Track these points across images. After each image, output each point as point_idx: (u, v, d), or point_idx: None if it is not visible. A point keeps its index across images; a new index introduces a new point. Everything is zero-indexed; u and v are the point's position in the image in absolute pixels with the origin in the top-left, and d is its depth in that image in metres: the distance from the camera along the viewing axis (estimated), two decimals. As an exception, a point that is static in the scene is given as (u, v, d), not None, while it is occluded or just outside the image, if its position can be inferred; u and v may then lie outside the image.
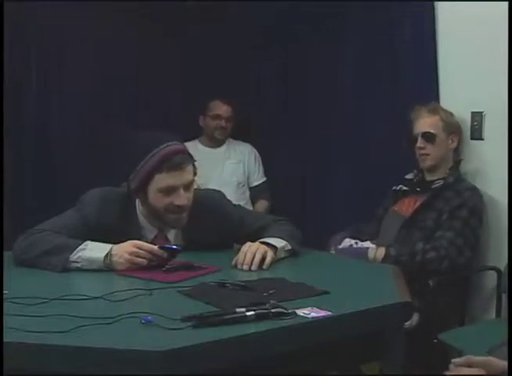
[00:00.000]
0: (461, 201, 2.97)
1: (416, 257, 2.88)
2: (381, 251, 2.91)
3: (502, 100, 2.72)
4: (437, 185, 3.09)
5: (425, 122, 3.10)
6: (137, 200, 2.34)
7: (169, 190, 2.23)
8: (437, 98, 3.27)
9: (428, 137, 3.08)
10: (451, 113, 3.15)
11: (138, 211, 2.33)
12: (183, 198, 2.25)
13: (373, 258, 2.90)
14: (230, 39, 4.05)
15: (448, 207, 2.97)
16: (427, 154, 3.10)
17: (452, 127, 3.12)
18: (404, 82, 3.41)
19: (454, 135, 3.13)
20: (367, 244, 3.03)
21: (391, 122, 3.38)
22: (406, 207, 3.11)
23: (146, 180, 2.22)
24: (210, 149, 4.05)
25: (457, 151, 3.19)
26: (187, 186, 2.26)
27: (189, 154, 2.31)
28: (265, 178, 4.10)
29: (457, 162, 3.15)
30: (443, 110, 3.13)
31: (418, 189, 3.15)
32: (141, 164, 2.21)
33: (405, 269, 2.67)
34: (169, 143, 2.24)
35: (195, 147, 4.02)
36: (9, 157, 3.42)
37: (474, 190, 3.02)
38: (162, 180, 2.22)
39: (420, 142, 3.09)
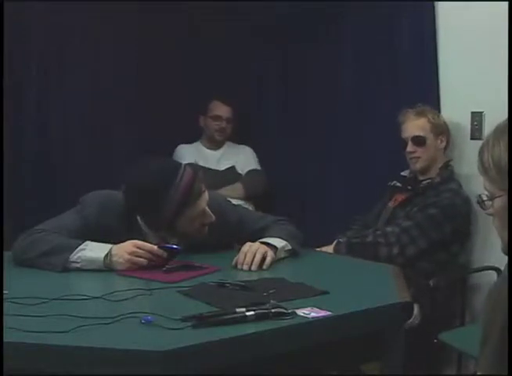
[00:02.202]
0: (436, 200, 3.00)
1: (367, 238, 2.96)
2: (328, 247, 2.99)
3: (502, 100, 2.72)
4: (423, 184, 3.12)
5: (413, 125, 3.11)
6: None
7: (199, 216, 2.27)
8: (437, 98, 3.27)
9: (418, 141, 3.10)
10: (438, 114, 3.16)
11: (138, 219, 2.33)
12: (210, 215, 2.30)
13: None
14: (230, 39, 4.05)
15: (422, 204, 3.02)
16: (418, 157, 3.12)
17: (440, 128, 3.13)
18: (404, 82, 3.41)
19: (442, 135, 3.14)
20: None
21: (390, 122, 3.37)
22: (396, 202, 3.16)
23: (175, 218, 2.23)
24: (209, 151, 4.04)
25: (447, 150, 3.20)
26: (207, 202, 2.30)
27: (198, 174, 2.31)
28: (255, 167, 4.01)
29: (446, 162, 3.16)
30: (430, 111, 3.14)
31: (409, 187, 3.18)
32: (165, 206, 2.19)
33: (359, 252, 2.79)
34: (181, 172, 2.23)
35: (197, 149, 4.03)
36: (9, 157, 3.42)
37: (456, 192, 3.03)
38: (193, 211, 2.25)
39: (410, 147, 3.11)
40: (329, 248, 3.00)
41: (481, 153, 1.39)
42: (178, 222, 2.25)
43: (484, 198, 1.41)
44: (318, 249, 2.94)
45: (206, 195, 2.29)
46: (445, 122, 3.16)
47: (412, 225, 2.96)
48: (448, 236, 3.01)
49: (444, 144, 3.16)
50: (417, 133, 3.10)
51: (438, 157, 3.15)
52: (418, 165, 3.14)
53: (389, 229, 2.98)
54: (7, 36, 3.36)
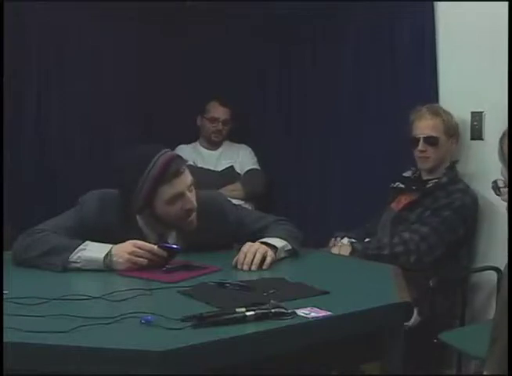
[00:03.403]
0: (448, 201, 3.00)
1: (384, 250, 2.92)
2: (345, 248, 2.95)
3: (502, 100, 2.72)
4: (430, 184, 3.11)
5: (427, 125, 3.09)
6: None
7: (176, 198, 2.24)
8: (436, 98, 3.27)
9: (431, 141, 3.08)
10: (451, 115, 3.15)
11: (137, 216, 2.33)
12: (191, 201, 2.27)
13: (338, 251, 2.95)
14: (230, 39, 4.05)
15: (434, 206, 3.00)
16: (428, 157, 3.11)
17: (452, 129, 3.12)
18: (404, 82, 3.41)
19: (454, 136, 3.14)
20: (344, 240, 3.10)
21: (390, 122, 3.38)
22: (400, 204, 3.15)
23: (150, 196, 2.22)
24: (208, 151, 4.04)
25: (453, 151, 3.19)
26: (189, 188, 2.27)
27: (180, 156, 2.32)
28: (253, 166, 4.01)
29: (453, 163, 3.15)
30: (444, 111, 3.13)
31: (414, 187, 3.17)
32: (140, 183, 2.20)
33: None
34: (160, 153, 2.24)
35: (196, 149, 4.03)
36: (9, 157, 3.42)
37: (465, 192, 3.03)
38: (167, 191, 2.22)
39: (421, 146, 3.09)
40: (342, 250, 2.95)
41: (502, 140, 1.39)
42: (155, 203, 2.23)
43: (501, 185, 1.40)
44: (334, 250, 2.94)
45: (186, 179, 2.26)
46: (457, 123, 3.15)
47: (429, 233, 2.93)
48: (461, 239, 3.01)
49: (454, 146, 3.14)
50: (431, 133, 3.08)
51: (447, 157, 3.14)
52: (427, 165, 3.13)
53: (406, 235, 2.94)
54: (7, 36, 3.36)
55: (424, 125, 3.10)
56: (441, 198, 3.01)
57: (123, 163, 2.27)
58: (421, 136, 3.09)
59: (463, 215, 2.99)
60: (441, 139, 3.09)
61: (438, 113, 3.11)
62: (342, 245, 2.98)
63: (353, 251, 2.93)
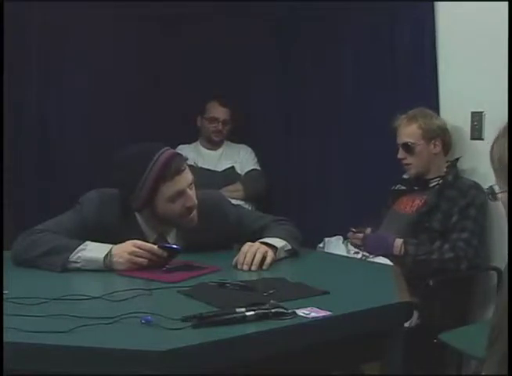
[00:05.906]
0: (468, 201, 2.98)
1: (433, 255, 2.91)
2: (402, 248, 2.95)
3: (502, 100, 2.72)
4: (435, 183, 3.10)
5: (404, 132, 3.11)
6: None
7: (177, 196, 2.24)
8: (436, 98, 3.27)
9: (407, 148, 3.09)
10: (431, 118, 3.11)
11: (137, 216, 2.33)
12: (192, 198, 2.28)
13: (398, 252, 2.94)
14: (230, 39, 4.05)
15: (456, 209, 2.98)
16: (409, 164, 3.12)
17: (432, 133, 3.09)
18: (404, 82, 3.41)
19: (436, 139, 3.10)
20: None
21: (390, 122, 3.37)
22: (405, 205, 3.14)
23: (152, 194, 2.22)
24: (208, 151, 4.04)
25: (449, 151, 3.18)
26: (190, 186, 2.28)
27: (181, 154, 2.32)
28: (254, 167, 4.01)
29: (455, 160, 3.15)
30: (422, 116, 3.10)
31: (416, 187, 3.16)
32: (141, 181, 2.20)
33: (422, 267, 2.80)
34: (161, 151, 2.24)
35: (196, 149, 4.03)
36: (9, 157, 3.41)
37: (477, 187, 3.02)
38: (169, 188, 2.22)
39: (400, 154, 3.12)
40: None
41: (492, 146, 1.41)
42: (157, 201, 2.24)
43: (497, 190, 1.41)
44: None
45: (187, 176, 2.27)
46: (438, 126, 3.12)
47: (471, 237, 2.93)
48: (486, 234, 3.04)
49: (438, 149, 3.11)
50: (406, 140, 3.10)
51: (434, 160, 3.12)
52: (411, 172, 3.15)
53: (455, 244, 2.92)
54: (7, 36, 3.35)
55: (401, 133, 3.12)
56: (458, 198, 3.00)
57: (123, 161, 2.28)
58: (399, 144, 3.12)
59: (485, 212, 3.00)
60: (419, 145, 3.08)
61: (415, 118, 3.09)
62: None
63: (406, 253, 2.93)
